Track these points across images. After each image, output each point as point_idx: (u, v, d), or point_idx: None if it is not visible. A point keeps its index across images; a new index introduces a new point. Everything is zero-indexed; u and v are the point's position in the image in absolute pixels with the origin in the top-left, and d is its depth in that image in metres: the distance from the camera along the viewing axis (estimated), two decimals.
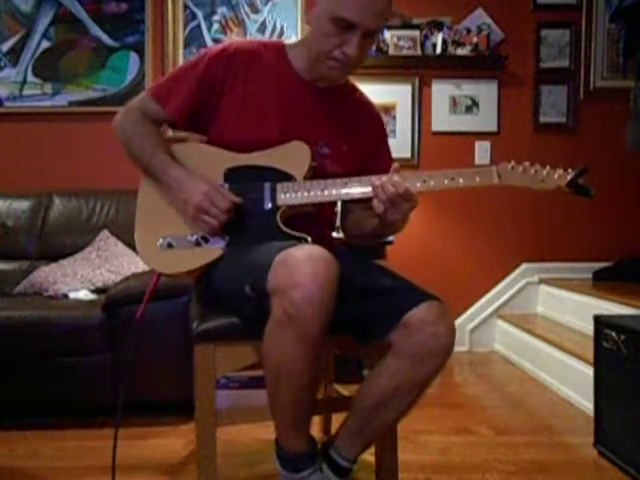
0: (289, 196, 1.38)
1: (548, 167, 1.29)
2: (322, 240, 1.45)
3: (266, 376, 1.23)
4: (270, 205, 1.38)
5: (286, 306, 1.11)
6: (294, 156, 1.42)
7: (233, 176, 1.43)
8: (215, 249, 1.39)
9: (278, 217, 1.37)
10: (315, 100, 1.48)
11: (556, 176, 1.27)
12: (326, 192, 1.37)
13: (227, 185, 1.43)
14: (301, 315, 1.10)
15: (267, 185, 1.40)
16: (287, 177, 1.40)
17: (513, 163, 1.30)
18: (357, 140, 1.52)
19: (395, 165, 1.30)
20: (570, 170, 1.27)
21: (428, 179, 1.32)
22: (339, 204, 1.40)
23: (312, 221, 1.44)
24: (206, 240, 1.39)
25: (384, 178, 1.28)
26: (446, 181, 1.32)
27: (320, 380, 1.32)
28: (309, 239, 1.32)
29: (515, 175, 1.30)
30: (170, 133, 1.82)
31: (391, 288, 1.32)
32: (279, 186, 1.39)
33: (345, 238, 1.56)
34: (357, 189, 1.36)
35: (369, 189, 1.32)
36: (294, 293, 1.10)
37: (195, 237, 1.40)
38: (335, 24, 1.32)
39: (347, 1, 1.30)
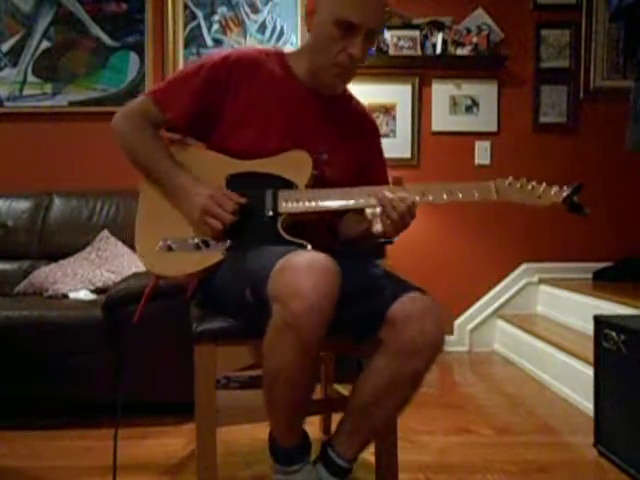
0: (291, 204, 1.38)
1: (544, 184, 1.34)
2: (324, 247, 1.45)
3: (264, 376, 1.23)
4: (271, 212, 1.38)
5: (286, 316, 1.11)
6: (296, 164, 1.42)
7: (235, 182, 1.42)
8: (215, 253, 1.38)
9: (279, 224, 1.37)
10: (316, 107, 1.49)
11: (552, 192, 1.33)
12: (328, 202, 1.38)
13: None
14: (301, 325, 1.10)
15: (269, 192, 1.39)
16: (289, 185, 1.40)
17: (510, 179, 1.36)
18: (355, 148, 1.53)
19: (396, 176, 1.32)
20: (566, 187, 1.32)
21: (427, 193, 1.36)
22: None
23: (314, 228, 1.44)
24: (207, 244, 1.38)
25: (387, 192, 1.31)
26: (445, 195, 1.37)
27: (315, 382, 1.32)
28: (309, 246, 1.31)
29: (512, 191, 1.36)
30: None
31: (381, 286, 1.33)
32: (281, 193, 1.39)
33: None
34: (359, 200, 1.37)
35: (370, 200, 1.35)
36: (294, 303, 1.09)
37: (196, 241, 1.38)
38: (339, 27, 1.34)
39: (347, 2, 1.32)
